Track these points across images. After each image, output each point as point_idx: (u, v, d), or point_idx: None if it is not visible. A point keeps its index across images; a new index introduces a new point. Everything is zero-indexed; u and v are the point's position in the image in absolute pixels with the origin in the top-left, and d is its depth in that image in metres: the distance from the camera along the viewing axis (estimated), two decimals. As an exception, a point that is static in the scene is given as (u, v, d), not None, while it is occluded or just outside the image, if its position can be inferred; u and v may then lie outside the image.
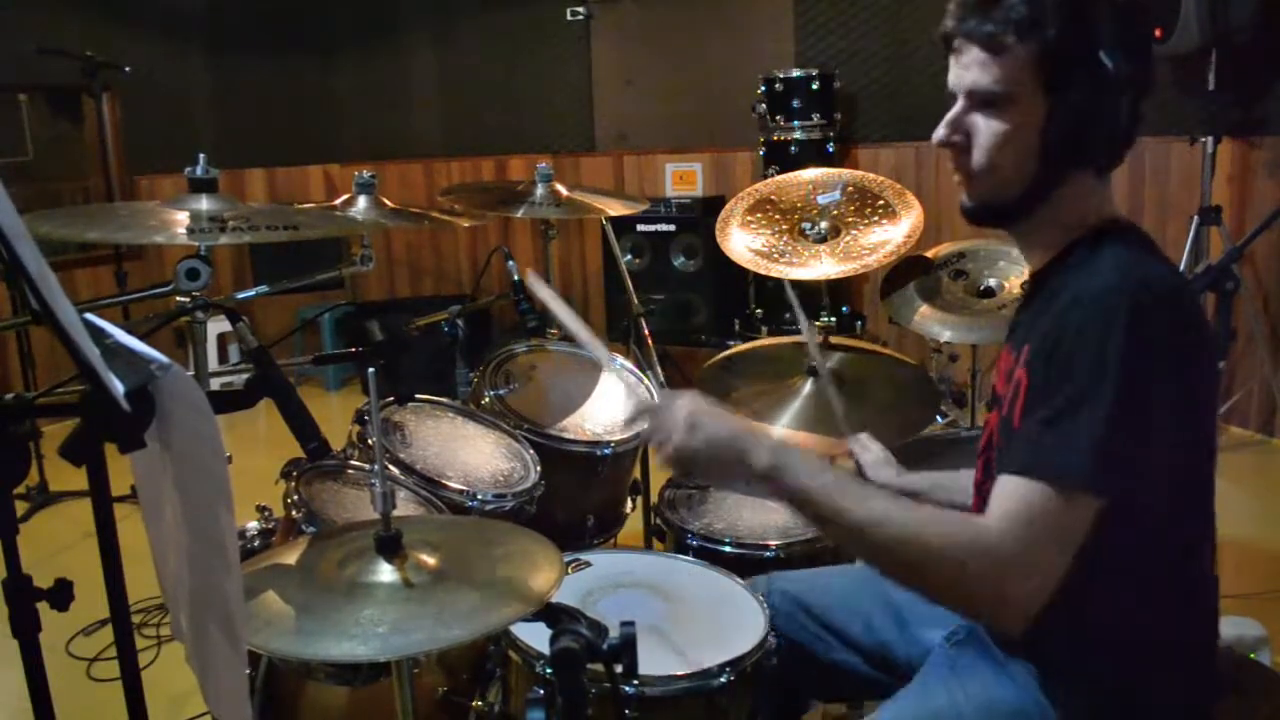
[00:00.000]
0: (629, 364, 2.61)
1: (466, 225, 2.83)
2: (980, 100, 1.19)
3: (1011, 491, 1.09)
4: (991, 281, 2.54)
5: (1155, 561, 1.20)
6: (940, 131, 1.23)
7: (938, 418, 2.23)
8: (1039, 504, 1.07)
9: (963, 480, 1.47)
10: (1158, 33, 3.74)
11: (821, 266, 2.37)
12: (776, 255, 2.43)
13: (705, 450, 1.23)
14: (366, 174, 2.33)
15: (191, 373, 1.87)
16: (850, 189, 2.51)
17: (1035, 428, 1.11)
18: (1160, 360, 1.09)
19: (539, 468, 2.18)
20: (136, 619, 2.78)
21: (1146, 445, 1.09)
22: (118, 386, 0.88)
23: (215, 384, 2.52)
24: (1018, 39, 1.14)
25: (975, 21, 1.16)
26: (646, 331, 2.83)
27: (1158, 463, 1.11)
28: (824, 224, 2.48)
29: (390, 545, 1.24)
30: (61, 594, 1.01)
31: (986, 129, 1.19)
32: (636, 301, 2.88)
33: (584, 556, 1.78)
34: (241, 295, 2.24)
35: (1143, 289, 1.11)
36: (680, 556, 1.87)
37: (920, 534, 1.11)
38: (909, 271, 2.56)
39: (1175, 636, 1.24)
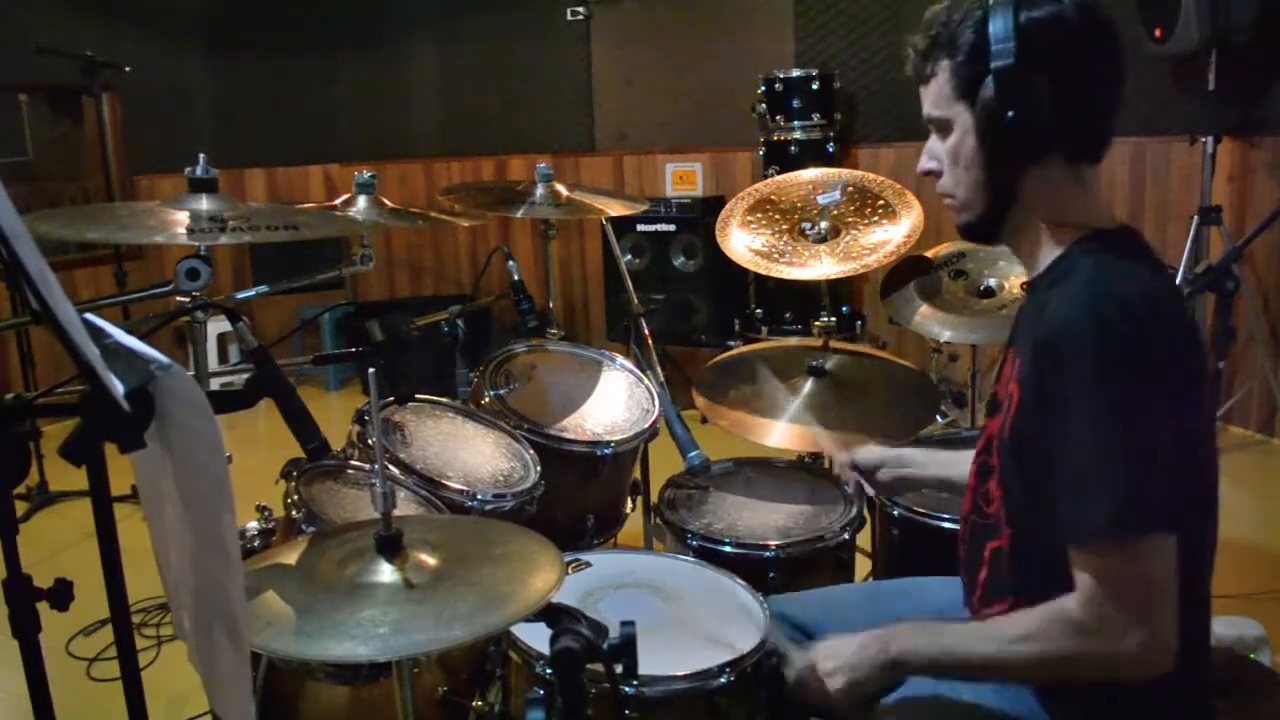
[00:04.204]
0: (629, 364, 2.61)
1: (466, 225, 2.83)
2: (935, 128, 1.32)
3: (1080, 564, 1.14)
4: (991, 281, 2.54)
5: None
6: (920, 162, 1.35)
7: (938, 418, 2.22)
8: (1107, 567, 1.12)
9: (961, 465, 1.52)
10: (1157, 32, 3.75)
11: (821, 266, 2.37)
12: (776, 255, 2.43)
13: (852, 684, 1.31)
14: (366, 174, 2.33)
15: (191, 373, 1.87)
16: (850, 189, 2.51)
17: (1067, 489, 1.14)
18: (1144, 377, 1.12)
19: (539, 468, 2.18)
20: (136, 619, 2.78)
21: (1168, 464, 1.12)
22: (118, 386, 0.87)
23: (215, 384, 2.52)
24: (934, 65, 1.27)
25: (912, 63, 1.31)
26: (646, 331, 2.83)
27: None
28: (824, 224, 2.48)
29: (390, 545, 1.24)
30: (61, 594, 1.01)
31: (944, 151, 1.31)
32: (636, 301, 2.88)
33: (584, 556, 1.78)
34: (241, 295, 2.24)
35: (1113, 309, 1.14)
36: (680, 556, 1.87)
37: (1031, 651, 1.18)
38: (909, 271, 2.56)
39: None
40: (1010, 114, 1.20)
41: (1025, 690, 1.28)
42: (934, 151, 1.33)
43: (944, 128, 1.29)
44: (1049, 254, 1.28)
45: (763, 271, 2.44)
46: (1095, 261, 1.22)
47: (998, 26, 1.20)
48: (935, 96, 1.28)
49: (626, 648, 1.18)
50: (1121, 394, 1.11)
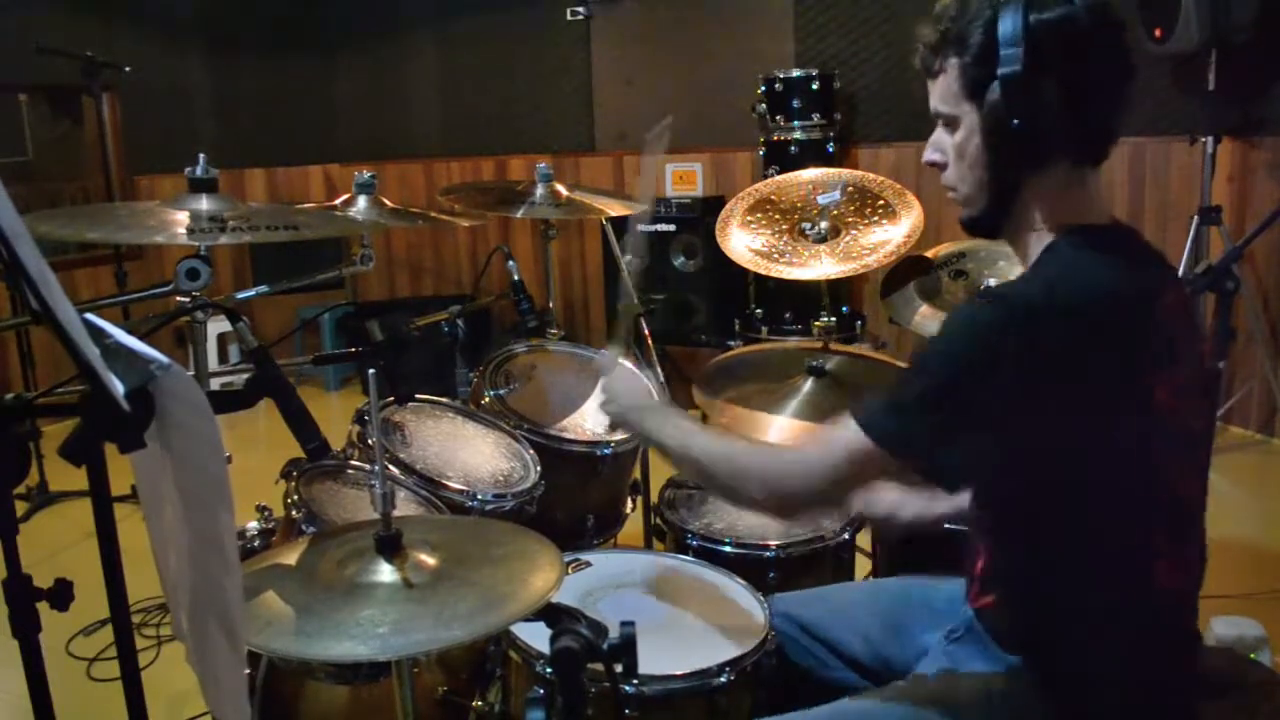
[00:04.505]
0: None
1: (466, 225, 2.83)
2: (942, 122, 1.32)
3: (841, 432, 1.24)
4: (991, 281, 2.53)
5: (1122, 566, 1.24)
6: (925, 153, 1.36)
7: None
8: (845, 439, 1.22)
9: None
10: (1157, 32, 3.74)
11: (821, 266, 2.36)
12: (776, 255, 2.43)
13: (617, 420, 1.64)
14: (366, 174, 2.33)
15: (191, 373, 1.86)
16: (850, 189, 2.51)
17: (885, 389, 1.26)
18: (1017, 364, 1.13)
19: (539, 468, 2.18)
20: (136, 619, 2.78)
21: (970, 431, 1.19)
22: (118, 386, 0.87)
23: (215, 384, 2.52)
24: (943, 61, 1.27)
25: (921, 55, 1.32)
26: (646, 331, 2.82)
27: (1037, 462, 1.20)
28: (824, 224, 2.48)
29: (390, 545, 1.24)
30: (61, 594, 1.01)
31: (949, 146, 1.32)
32: (636, 301, 2.88)
33: (584, 556, 1.78)
34: (241, 295, 2.24)
35: (1040, 292, 1.17)
36: (680, 556, 1.87)
37: (731, 451, 1.38)
38: (909, 271, 2.55)
39: (1155, 635, 1.27)
40: (1016, 121, 1.19)
41: (1024, 674, 1.30)
42: (940, 144, 1.33)
43: (951, 123, 1.30)
44: (1038, 248, 1.28)
45: (763, 271, 2.43)
46: (1070, 255, 1.22)
47: (1006, 28, 1.18)
48: (943, 92, 1.28)
49: (626, 647, 1.18)
50: (969, 356, 1.16)
